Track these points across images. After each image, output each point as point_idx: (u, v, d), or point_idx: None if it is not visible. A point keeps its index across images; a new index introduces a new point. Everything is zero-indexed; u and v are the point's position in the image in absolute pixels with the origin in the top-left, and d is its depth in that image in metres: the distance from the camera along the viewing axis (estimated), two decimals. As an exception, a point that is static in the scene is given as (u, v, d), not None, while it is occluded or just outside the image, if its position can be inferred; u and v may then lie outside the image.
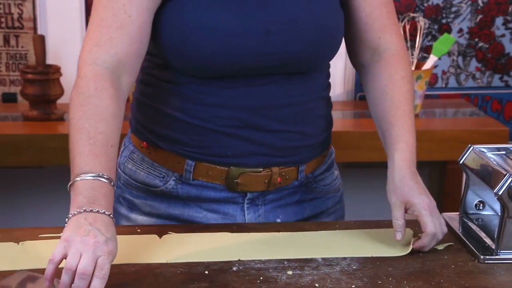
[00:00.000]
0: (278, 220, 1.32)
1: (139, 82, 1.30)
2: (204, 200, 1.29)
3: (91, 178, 1.06)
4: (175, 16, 1.19)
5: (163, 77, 1.26)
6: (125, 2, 1.16)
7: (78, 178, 1.07)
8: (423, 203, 1.18)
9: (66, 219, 1.05)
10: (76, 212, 1.05)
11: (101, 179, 1.07)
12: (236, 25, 1.18)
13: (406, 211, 1.20)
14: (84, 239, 1.00)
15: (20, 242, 1.18)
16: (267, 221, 1.31)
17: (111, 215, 1.06)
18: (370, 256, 1.16)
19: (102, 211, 1.05)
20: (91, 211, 1.04)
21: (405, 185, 1.20)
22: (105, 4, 1.17)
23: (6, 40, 2.42)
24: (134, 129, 1.33)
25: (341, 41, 1.29)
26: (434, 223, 1.17)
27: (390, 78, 1.28)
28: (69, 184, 1.09)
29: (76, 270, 0.98)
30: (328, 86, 1.34)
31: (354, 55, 1.35)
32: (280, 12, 1.20)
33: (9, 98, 2.46)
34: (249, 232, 1.24)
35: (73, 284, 0.98)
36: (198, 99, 1.23)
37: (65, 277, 0.99)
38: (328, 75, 1.34)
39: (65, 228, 1.04)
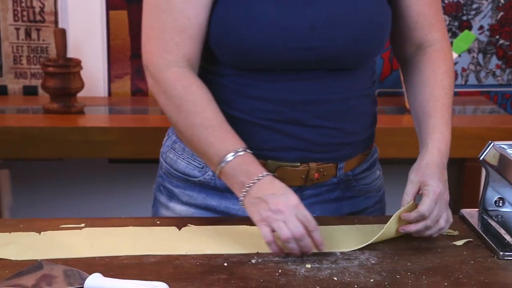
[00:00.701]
0: None
1: None
2: None
3: (233, 158, 1.16)
4: (223, 7, 1.20)
5: (207, 69, 1.27)
6: (183, 5, 1.19)
7: (222, 164, 1.16)
8: (436, 188, 1.18)
9: (241, 202, 1.16)
10: (244, 193, 1.14)
11: (239, 153, 1.16)
12: (281, 18, 1.19)
13: (419, 191, 1.19)
14: (275, 209, 1.11)
15: (42, 232, 1.19)
16: None
17: (269, 174, 1.15)
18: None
19: (261, 176, 1.14)
20: (254, 183, 1.14)
21: (429, 168, 1.20)
22: (165, 7, 1.20)
23: (28, 34, 2.44)
24: None
25: (387, 39, 1.29)
26: (431, 207, 1.16)
27: (432, 71, 1.29)
28: (217, 174, 1.19)
29: (294, 236, 1.09)
30: (373, 83, 1.34)
31: (398, 49, 1.36)
32: (326, 7, 1.20)
33: (30, 91, 2.48)
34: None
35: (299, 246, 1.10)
36: (240, 91, 1.24)
37: (292, 246, 1.11)
38: (374, 72, 1.34)
39: (249, 211, 1.14)
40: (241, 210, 1.29)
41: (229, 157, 1.16)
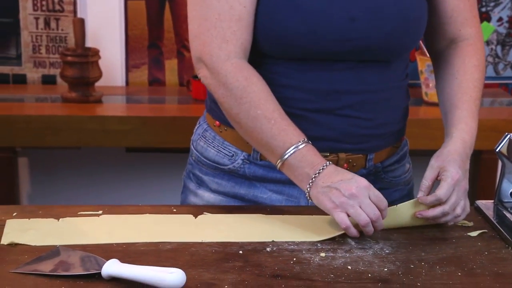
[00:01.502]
0: None
1: None
2: (269, 180, 1.30)
3: (296, 150, 1.17)
4: None
5: None
6: None
7: (286, 156, 1.17)
8: (455, 174, 1.18)
9: (307, 195, 1.17)
10: (310, 184, 1.16)
11: (301, 145, 1.17)
12: (322, 8, 1.19)
13: (437, 177, 1.20)
14: (348, 194, 1.12)
15: (60, 219, 1.21)
16: None
17: (330, 163, 1.17)
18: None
19: (324, 166, 1.16)
20: (319, 174, 1.15)
21: (450, 155, 1.21)
22: None
23: (47, 23, 2.46)
24: (208, 108, 1.36)
25: (423, 32, 1.29)
26: (448, 192, 1.17)
27: (462, 65, 1.30)
28: (278, 166, 1.20)
29: (371, 220, 1.12)
30: (406, 76, 1.34)
31: (430, 43, 1.36)
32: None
33: (49, 80, 2.50)
34: (283, 214, 1.25)
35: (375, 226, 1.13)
36: (273, 79, 1.24)
37: (369, 229, 1.13)
38: (407, 65, 1.34)
39: (319, 201, 1.15)
40: (268, 199, 1.31)
41: (292, 149, 1.17)
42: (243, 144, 1.29)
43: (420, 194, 1.19)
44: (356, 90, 1.25)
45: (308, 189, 1.16)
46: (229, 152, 1.31)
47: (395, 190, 1.37)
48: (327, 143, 1.27)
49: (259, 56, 1.25)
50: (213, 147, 1.33)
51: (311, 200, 1.18)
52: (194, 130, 1.40)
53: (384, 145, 1.32)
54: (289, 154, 1.17)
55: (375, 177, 1.33)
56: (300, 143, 1.17)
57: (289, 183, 1.26)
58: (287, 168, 1.19)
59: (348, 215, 1.14)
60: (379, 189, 1.32)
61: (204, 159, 1.35)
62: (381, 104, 1.28)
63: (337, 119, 1.26)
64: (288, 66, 1.24)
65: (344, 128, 1.26)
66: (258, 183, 1.31)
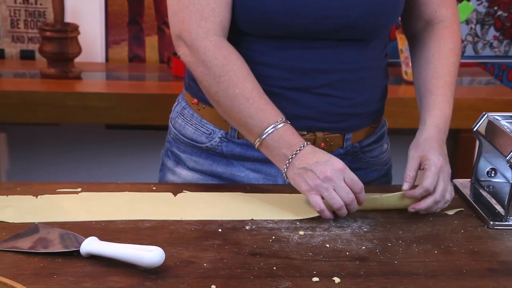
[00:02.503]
0: None
1: None
2: (247, 159, 1.31)
3: (274, 130, 1.16)
4: None
5: None
6: None
7: (264, 136, 1.17)
8: (437, 161, 1.19)
9: (284, 176, 1.17)
10: (287, 165, 1.15)
11: (279, 125, 1.17)
12: None
13: (420, 167, 1.20)
14: (323, 177, 1.12)
15: (39, 196, 1.21)
16: None
17: (308, 143, 1.16)
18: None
19: (301, 147, 1.15)
20: (296, 154, 1.15)
21: (428, 143, 1.21)
22: None
23: (25, -3, 2.43)
24: (187, 86, 1.36)
25: (400, 12, 1.29)
26: (434, 181, 1.17)
27: (438, 48, 1.30)
28: (257, 146, 1.19)
29: (345, 203, 1.12)
30: (385, 56, 1.34)
31: (407, 24, 1.37)
32: None
33: (27, 55, 2.48)
34: (262, 193, 1.26)
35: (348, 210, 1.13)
36: (252, 57, 1.24)
37: (342, 212, 1.13)
38: (386, 45, 1.34)
39: (295, 183, 1.15)
40: (246, 177, 1.31)
41: (270, 129, 1.16)
42: (221, 122, 1.29)
43: (406, 186, 1.19)
44: (335, 69, 1.25)
45: (285, 169, 1.17)
46: (207, 130, 1.31)
47: (373, 170, 1.38)
48: (305, 122, 1.27)
49: (238, 34, 1.24)
50: (191, 125, 1.33)
51: (288, 180, 1.18)
52: (173, 108, 1.40)
53: (362, 124, 1.32)
54: (267, 134, 1.17)
55: (352, 157, 1.34)
56: (278, 123, 1.17)
57: (267, 161, 1.27)
58: (265, 148, 1.19)
59: (323, 198, 1.14)
60: (357, 169, 1.33)
61: (182, 137, 1.35)
62: (359, 83, 1.28)
63: (315, 97, 1.26)
64: (267, 44, 1.24)
65: (321, 107, 1.27)
66: (235, 161, 1.31)
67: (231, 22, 1.23)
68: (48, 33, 2.25)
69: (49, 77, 2.27)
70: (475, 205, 1.23)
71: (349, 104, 1.28)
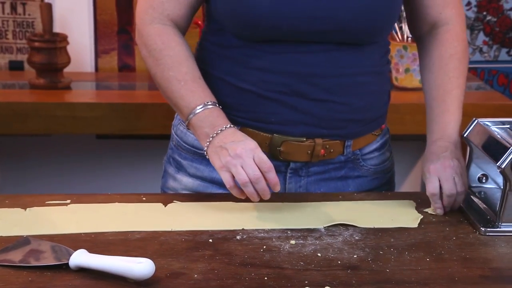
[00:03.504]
0: None
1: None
2: None
3: (200, 110, 1.22)
4: None
5: (215, 42, 1.29)
6: None
7: (190, 116, 1.22)
8: (431, 167, 1.22)
9: (205, 153, 1.21)
10: (208, 143, 1.20)
11: (207, 107, 1.22)
12: None
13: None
14: (233, 154, 1.15)
15: (28, 208, 1.19)
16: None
17: (232, 126, 1.20)
18: (372, 227, 1.17)
19: (224, 128, 1.19)
20: (216, 134, 1.19)
21: (426, 161, 1.25)
22: None
23: (13, 8, 2.42)
24: None
25: (397, 16, 1.28)
26: (432, 183, 1.21)
27: (439, 56, 1.32)
28: (186, 125, 1.25)
29: (250, 180, 1.14)
30: (386, 63, 1.34)
31: (413, 28, 1.37)
32: None
33: (16, 66, 2.46)
34: (253, 202, 1.25)
35: (256, 188, 1.15)
36: (247, 62, 1.25)
37: (249, 190, 1.15)
38: (387, 52, 1.34)
39: (211, 160, 1.19)
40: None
41: (198, 109, 1.21)
42: None
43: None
44: (331, 73, 1.25)
45: (206, 147, 1.20)
46: None
47: (374, 178, 1.37)
48: (304, 128, 1.27)
49: (233, 39, 1.26)
50: (191, 132, 1.32)
51: (209, 158, 1.21)
52: (175, 116, 1.41)
53: (363, 131, 1.32)
54: (193, 114, 1.22)
55: (353, 164, 1.33)
56: (206, 105, 1.22)
57: None
58: (192, 128, 1.23)
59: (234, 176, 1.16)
60: (358, 177, 1.34)
61: (184, 144, 1.35)
62: (356, 89, 1.27)
63: (313, 103, 1.26)
64: (262, 48, 1.24)
65: (319, 113, 1.26)
66: None
67: (227, 27, 1.25)
68: (36, 44, 2.24)
69: (38, 87, 2.25)
70: (467, 212, 1.23)
71: (347, 110, 1.27)
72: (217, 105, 1.23)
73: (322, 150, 1.28)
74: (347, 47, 1.24)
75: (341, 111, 1.27)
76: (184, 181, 1.35)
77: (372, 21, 1.23)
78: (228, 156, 1.16)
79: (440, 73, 1.31)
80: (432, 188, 1.21)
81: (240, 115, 1.28)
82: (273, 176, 1.15)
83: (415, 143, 2.59)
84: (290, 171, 1.31)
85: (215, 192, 1.32)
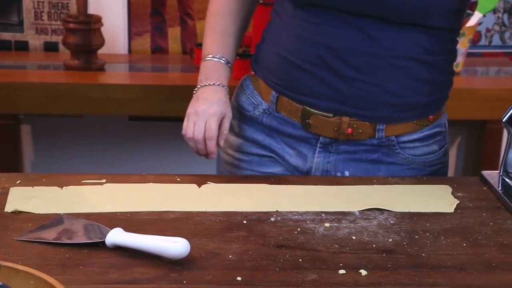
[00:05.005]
0: (347, 173, 1.32)
1: None
2: (282, 133, 1.35)
3: (209, 59, 1.35)
4: None
5: (275, 8, 1.35)
6: None
7: (202, 61, 1.36)
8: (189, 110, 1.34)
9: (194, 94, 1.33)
10: (196, 89, 1.33)
11: (214, 59, 1.34)
12: None
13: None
14: (195, 110, 1.30)
15: (64, 187, 1.21)
16: (336, 170, 1.33)
17: (220, 84, 1.32)
18: (408, 211, 1.16)
19: (212, 83, 1.32)
20: (204, 85, 1.32)
21: None
22: None
23: (48, -11, 2.43)
24: (252, 61, 1.42)
25: (450, 3, 1.22)
26: (186, 127, 1.33)
27: None
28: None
29: (193, 138, 1.29)
30: (444, 53, 1.27)
31: None
32: None
33: (51, 47, 2.48)
34: (287, 184, 1.25)
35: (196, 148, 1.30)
36: (290, 30, 1.29)
37: (191, 145, 1.31)
38: (445, 41, 1.27)
39: (188, 107, 1.32)
40: (282, 150, 1.36)
41: (208, 57, 1.35)
42: (266, 95, 1.35)
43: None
44: (365, 51, 1.23)
45: (194, 92, 1.33)
46: (256, 101, 1.37)
47: (411, 168, 1.32)
48: (331, 103, 1.27)
49: (281, 5, 1.32)
50: (244, 94, 1.40)
51: None
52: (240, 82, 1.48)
53: (399, 118, 1.28)
54: (204, 59, 1.36)
55: (388, 149, 1.31)
56: (213, 56, 1.34)
57: (300, 139, 1.32)
58: (200, 70, 1.36)
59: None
60: (391, 163, 1.32)
61: (235, 104, 1.41)
62: (390, 71, 1.24)
63: (340, 79, 1.25)
64: (304, 17, 1.26)
65: (346, 90, 1.25)
66: (274, 133, 1.36)
67: None
68: (71, 25, 2.25)
69: (72, 68, 2.27)
70: (504, 197, 1.21)
71: (379, 92, 1.25)
72: (226, 62, 1.34)
73: (349, 129, 1.28)
74: (389, 28, 1.21)
75: (370, 92, 1.25)
76: (231, 140, 1.41)
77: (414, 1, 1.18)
78: (192, 108, 1.30)
79: None
80: (184, 130, 1.32)
81: (278, 82, 1.32)
82: (211, 144, 1.29)
83: (450, 128, 2.56)
84: (320, 145, 1.32)
85: (255, 152, 1.38)
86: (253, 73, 1.40)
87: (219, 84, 1.32)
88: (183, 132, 1.31)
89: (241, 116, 1.40)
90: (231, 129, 1.40)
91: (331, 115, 1.28)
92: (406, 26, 1.22)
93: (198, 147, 1.30)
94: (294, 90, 1.30)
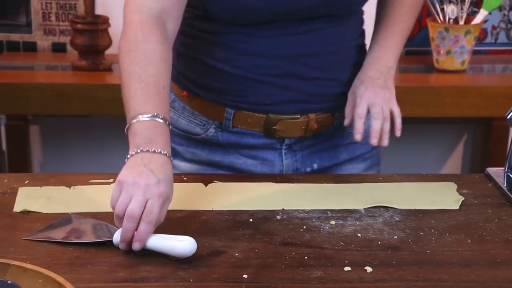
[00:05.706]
0: (315, 165, 1.35)
1: (179, 33, 1.26)
2: (243, 146, 1.32)
3: (147, 119, 1.07)
4: None
5: (202, 28, 1.28)
6: None
7: (134, 120, 1.07)
8: (364, 91, 1.27)
9: (126, 160, 1.06)
10: (133, 153, 1.05)
11: (156, 119, 1.07)
12: None
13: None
14: (136, 180, 1.01)
15: (72, 187, 1.22)
16: (304, 166, 1.34)
17: (167, 154, 1.06)
18: (413, 208, 1.17)
19: (159, 151, 1.05)
20: (147, 151, 1.05)
21: (357, 80, 1.31)
22: None
23: (56, -10, 2.45)
24: (175, 79, 1.35)
25: None
26: (362, 107, 1.26)
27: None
28: (126, 128, 1.10)
29: (124, 213, 1.00)
30: (362, 33, 1.37)
31: None
32: None
33: (59, 48, 2.50)
34: (293, 183, 1.25)
35: (122, 226, 1.00)
36: (238, 48, 1.26)
37: (116, 220, 1.02)
38: (362, 22, 1.36)
39: (122, 169, 1.05)
40: (244, 164, 1.33)
41: (145, 117, 1.07)
42: (214, 113, 1.31)
43: (346, 121, 1.30)
44: (320, 52, 1.27)
45: (129, 155, 1.06)
46: (201, 121, 1.33)
47: (364, 144, 1.36)
48: (297, 106, 1.30)
49: (224, 26, 1.25)
50: (184, 117, 1.34)
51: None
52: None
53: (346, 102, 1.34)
54: (137, 120, 1.07)
55: (341, 132, 1.36)
56: (154, 116, 1.07)
57: (263, 148, 1.31)
58: (129, 132, 1.09)
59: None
60: (349, 144, 1.36)
61: (176, 130, 1.35)
62: (342, 63, 1.31)
63: (305, 82, 1.28)
64: (253, 34, 1.25)
65: (312, 90, 1.29)
66: (232, 150, 1.33)
67: (219, 15, 1.23)
68: (79, 26, 2.27)
69: (80, 69, 2.29)
70: (509, 194, 1.21)
71: (336, 84, 1.31)
72: (168, 123, 1.09)
73: (315, 125, 1.31)
74: (333, 23, 1.27)
75: (330, 86, 1.31)
76: (182, 167, 1.36)
77: None
78: (131, 178, 1.02)
79: (394, 4, 1.34)
80: (361, 111, 1.26)
81: (233, 99, 1.29)
82: (145, 229, 0.99)
83: (456, 126, 2.56)
84: (285, 147, 1.33)
85: (215, 173, 1.31)
86: (185, 93, 1.33)
87: (165, 154, 1.05)
88: (112, 203, 1.02)
89: (188, 140, 1.34)
90: (179, 156, 1.34)
91: (298, 116, 1.30)
92: (349, 16, 1.30)
93: (126, 226, 0.99)
94: (256, 103, 1.29)
